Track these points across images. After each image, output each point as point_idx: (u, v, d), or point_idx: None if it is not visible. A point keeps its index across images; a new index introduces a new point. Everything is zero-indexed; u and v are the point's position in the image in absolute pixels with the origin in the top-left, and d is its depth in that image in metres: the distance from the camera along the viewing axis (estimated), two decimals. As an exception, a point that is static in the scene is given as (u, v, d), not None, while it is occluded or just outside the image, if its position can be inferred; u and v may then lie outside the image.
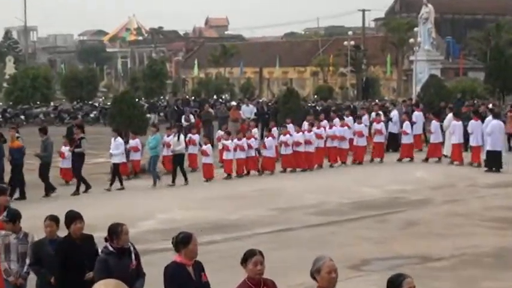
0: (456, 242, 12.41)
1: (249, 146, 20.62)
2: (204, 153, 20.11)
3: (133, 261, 6.59)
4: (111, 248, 6.52)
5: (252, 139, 21.01)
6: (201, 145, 20.92)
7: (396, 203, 16.33)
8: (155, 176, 19.16)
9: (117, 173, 18.87)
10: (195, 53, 75.31)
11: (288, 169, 21.29)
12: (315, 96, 45.22)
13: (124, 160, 19.65)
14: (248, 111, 29.82)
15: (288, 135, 21.27)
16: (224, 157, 20.59)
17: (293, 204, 16.26)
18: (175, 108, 33.88)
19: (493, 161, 20.62)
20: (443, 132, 22.76)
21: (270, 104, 37.08)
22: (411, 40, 40.03)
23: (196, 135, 21.44)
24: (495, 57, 36.28)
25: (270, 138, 21.31)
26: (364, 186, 18.54)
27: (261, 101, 37.68)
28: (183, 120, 27.71)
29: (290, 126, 21.99)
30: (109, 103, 35.67)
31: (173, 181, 19.09)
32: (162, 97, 45.58)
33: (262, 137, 24.52)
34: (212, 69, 62.65)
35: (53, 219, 7.57)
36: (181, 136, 19.51)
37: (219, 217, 14.91)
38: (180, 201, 16.97)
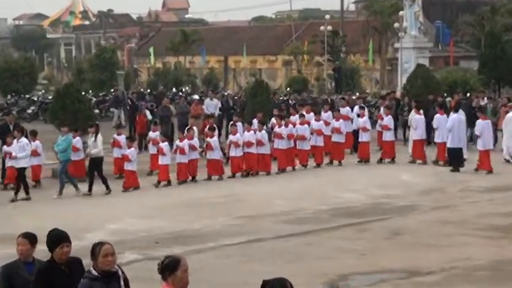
0: (447, 254, 12.55)
1: (192, 147, 20.45)
2: (161, 151, 20.03)
3: (122, 287, 6.35)
4: (95, 272, 6.23)
5: (195, 139, 20.94)
6: (149, 147, 20.83)
7: (380, 210, 16.45)
8: (62, 183, 18.87)
9: (22, 179, 18.50)
10: (150, 39, 74.92)
11: (239, 174, 21.19)
12: (288, 89, 45.31)
13: (38, 163, 19.62)
14: (212, 106, 29.76)
15: (237, 135, 21.24)
16: (177, 160, 20.44)
17: (263, 211, 16.29)
18: (129, 102, 33.67)
19: (454, 159, 21.16)
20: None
21: (236, 97, 37.08)
22: (396, 25, 40.28)
23: (122, 136, 20.80)
24: (490, 45, 36.66)
25: (214, 138, 21.17)
26: (343, 190, 18.66)
27: (226, 94, 37.65)
28: (149, 115, 27.57)
29: (239, 125, 22.07)
30: (50, 97, 35.33)
31: (89, 189, 18.77)
32: (112, 90, 45.29)
33: (227, 135, 24.53)
34: (170, 58, 62.37)
35: (27, 236, 7.06)
36: (99, 137, 19.32)
37: (178, 227, 14.88)
38: (132, 209, 16.92)
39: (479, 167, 20.97)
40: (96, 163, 19.05)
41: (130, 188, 19.45)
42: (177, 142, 20.92)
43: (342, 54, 50.59)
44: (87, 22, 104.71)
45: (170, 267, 5.80)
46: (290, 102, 33.04)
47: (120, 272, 6.41)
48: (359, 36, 53.14)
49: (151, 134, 21.89)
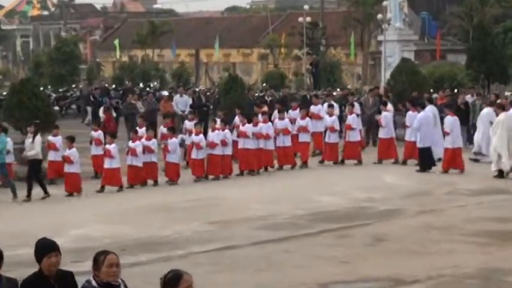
0: (433, 261, 12.61)
1: (147, 149, 20.27)
2: (108, 153, 19.81)
3: None
4: (94, 283, 6.16)
5: (154, 140, 20.77)
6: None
7: (362, 215, 16.50)
8: (10, 185, 18.76)
9: None
10: (115, 31, 74.58)
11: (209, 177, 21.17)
12: (264, 85, 45.36)
13: None
14: (182, 102, 29.72)
15: (201, 135, 21.16)
16: (129, 162, 20.28)
17: (236, 216, 16.28)
18: (92, 99, 33.52)
19: (423, 159, 21.57)
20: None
21: (208, 93, 37.03)
22: (379, 16, 40.53)
23: (58, 138, 20.53)
24: (479, 37, 36.84)
25: (173, 139, 21.02)
26: (323, 193, 18.70)
27: (197, 90, 37.60)
28: (101, 113, 27.42)
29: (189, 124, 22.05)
30: (5, 93, 35.04)
31: (28, 194, 18.58)
32: (74, 85, 45.05)
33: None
34: (137, 51, 62.12)
35: None
36: (38, 138, 19.15)
37: (145, 233, 14.84)
38: (96, 213, 16.87)
39: (447, 166, 21.35)
40: (33, 166, 18.84)
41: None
42: (129, 143, 20.73)
43: (322, 48, 50.68)
44: (46, 12, 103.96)
45: (172, 283, 5.81)
46: (266, 98, 33.06)
47: (122, 286, 6.32)
48: (340, 28, 53.31)
49: (93, 134, 21.58)
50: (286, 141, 22.77)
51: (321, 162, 23.32)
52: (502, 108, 21.11)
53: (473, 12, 50.05)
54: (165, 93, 36.38)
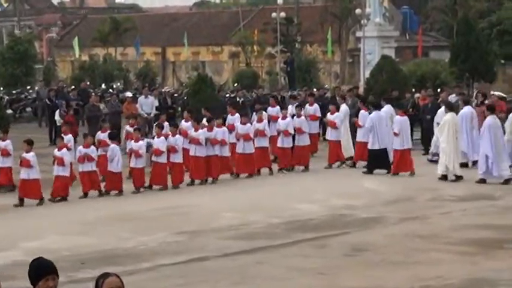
0: (416, 272, 12.68)
1: (88, 158, 20.01)
2: (25, 163, 19.30)
3: None
4: None
5: (93, 147, 20.38)
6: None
7: (340, 223, 16.56)
8: None
9: None
10: (74, 28, 74.28)
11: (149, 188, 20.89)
12: (235, 85, 45.39)
13: None
14: (147, 104, 29.68)
15: (140, 142, 20.77)
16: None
17: (206, 226, 16.28)
18: (48, 101, 33.34)
19: (378, 161, 22.05)
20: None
21: (176, 94, 37.00)
22: (358, 11, 40.72)
23: (7, 142, 20.39)
24: (463, 33, 37.11)
25: (140, 142, 20.81)
26: (299, 201, 18.73)
27: (164, 91, 37.56)
28: (57, 117, 27.27)
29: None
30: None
31: None
32: (29, 87, 44.78)
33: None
34: (99, 49, 61.91)
35: None
36: None
37: (108, 245, 14.79)
38: (55, 224, 16.79)
39: (396, 169, 21.81)
40: None
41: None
42: (79, 148, 20.43)
43: (297, 45, 50.82)
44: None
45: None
46: (238, 99, 33.07)
47: None
48: (316, 24, 53.41)
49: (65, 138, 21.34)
50: (247, 147, 22.40)
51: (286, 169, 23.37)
52: (492, 110, 21.18)
53: (458, 6, 50.38)
54: (129, 94, 36.26)
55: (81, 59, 59.79)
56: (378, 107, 22.90)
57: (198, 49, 61.53)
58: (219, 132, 21.78)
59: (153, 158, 20.93)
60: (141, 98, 30.47)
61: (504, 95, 29.67)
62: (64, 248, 14.47)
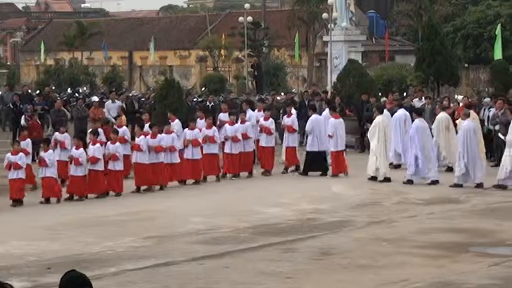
0: (383, 276, 12.71)
1: (40, 162, 19.82)
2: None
3: None
4: None
5: (50, 151, 20.09)
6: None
7: (307, 227, 16.57)
8: None
9: None
10: (39, 32, 73.87)
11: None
12: (203, 89, 45.35)
13: None
14: (114, 109, 29.54)
15: (81, 150, 20.22)
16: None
17: (173, 230, 16.22)
18: (12, 106, 33.02)
19: (315, 164, 22.64)
20: None
21: (143, 99, 36.84)
22: (324, 15, 40.81)
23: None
24: (428, 37, 37.30)
25: (117, 144, 20.62)
26: (267, 205, 18.74)
27: (131, 95, 37.41)
28: (22, 121, 27.06)
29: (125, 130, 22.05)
30: None
31: None
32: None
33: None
34: (64, 53, 61.66)
35: None
36: None
37: (74, 250, 14.67)
38: (19, 229, 16.61)
39: (336, 170, 22.35)
40: None
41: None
42: (7, 155, 19.97)
43: (265, 49, 50.88)
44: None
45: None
46: (208, 104, 32.94)
47: None
48: (284, 28, 53.54)
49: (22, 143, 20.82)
50: (195, 153, 22.06)
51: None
52: (467, 115, 21.23)
53: (423, 10, 50.76)
54: (95, 98, 36.11)
55: (46, 63, 59.50)
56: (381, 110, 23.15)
57: (165, 53, 61.44)
58: (166, 138, 21.36)
59: (89, 166, 20.34)
60: (108, 103, 30.34)
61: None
62: (29, 253, 14.34)
